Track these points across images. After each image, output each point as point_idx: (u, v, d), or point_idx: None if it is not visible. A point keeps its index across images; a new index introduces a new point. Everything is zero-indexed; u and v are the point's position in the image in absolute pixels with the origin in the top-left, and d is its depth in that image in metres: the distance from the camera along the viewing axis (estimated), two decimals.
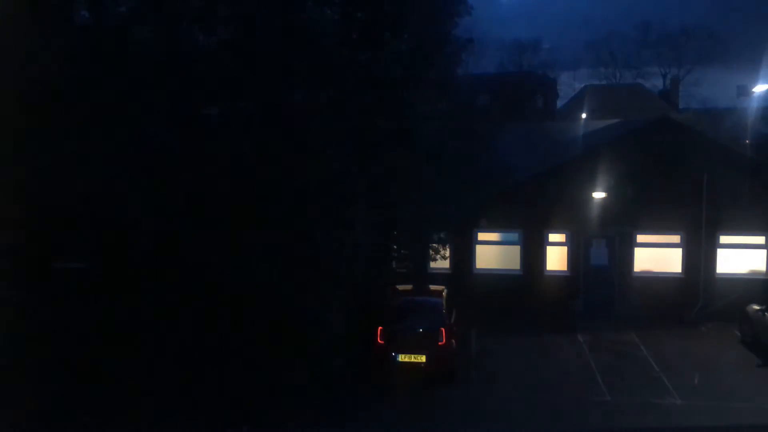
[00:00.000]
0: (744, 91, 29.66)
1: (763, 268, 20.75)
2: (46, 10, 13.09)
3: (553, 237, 21.61)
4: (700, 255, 20.69)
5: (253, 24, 13.77)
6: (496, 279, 21.39)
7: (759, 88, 26.38)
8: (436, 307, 16.02)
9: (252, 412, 13.09)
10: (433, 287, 17.21)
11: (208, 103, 14.00)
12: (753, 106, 29.13)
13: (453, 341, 15.67)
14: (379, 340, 15.36)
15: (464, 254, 21.75)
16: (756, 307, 17.79)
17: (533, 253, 21.50)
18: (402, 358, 15.17)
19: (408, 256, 19.79)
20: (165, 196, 13.26)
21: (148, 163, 13.18)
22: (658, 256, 21.18)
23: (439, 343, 15.21)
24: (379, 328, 15.42)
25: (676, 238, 21.03)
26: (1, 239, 12.37)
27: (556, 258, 21.59)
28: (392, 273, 19.01)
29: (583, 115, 39.76)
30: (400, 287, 17.35)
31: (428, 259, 21.15)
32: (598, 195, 20.86)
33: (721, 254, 20.84)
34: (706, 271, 20.72)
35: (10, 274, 12.52)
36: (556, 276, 21.46)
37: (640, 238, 21.18)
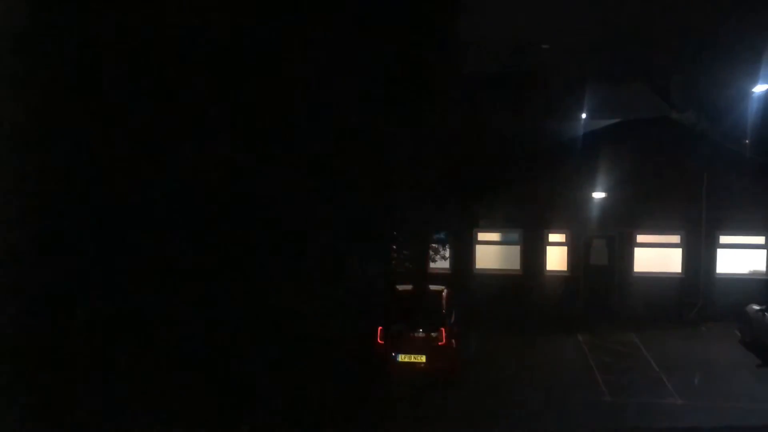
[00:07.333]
0: (744, 91, 29.62)
1: (763, 268, 20.76)
2: None
3: (553, 237, 21.61)
4: (700, 255, 20.70)
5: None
6: (496, 279, 21.39)
7: (759, 88, 26.25)
8: (436, 307, 16.00)
9: (251, 412, 13.08)
10: (433, 287, 17.19)
11: None
12: (753, 106, 29.06)
13: (453, 341, 15.66)
14: (379, 340, 15.36)
15: (464, 254, 21.75)
16: (756, 307, 17.78)
17: (533, 253, 21.50)
18: (402, 358, 15.18)
19: (408, 256, 19.76)
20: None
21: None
22: (658, 256, 21.18)
23: (439, 344, 15.21)
24: (379, 328, 15.42)
25: (676, 238, 21.04)
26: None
27: (556, 258, 21.58)
28: (392, 273, 18.98)
29: (583, 115, 39.62)
30: (400, 287, 17.33)
31: (428, 259, 21.14)
32: (599, 195, 20.86)
33: (721, 254, 20.85)
34: (706, 271, 20.73)
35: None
36: (556, 276, 21.46)
37: (640, 238, 21.18)
